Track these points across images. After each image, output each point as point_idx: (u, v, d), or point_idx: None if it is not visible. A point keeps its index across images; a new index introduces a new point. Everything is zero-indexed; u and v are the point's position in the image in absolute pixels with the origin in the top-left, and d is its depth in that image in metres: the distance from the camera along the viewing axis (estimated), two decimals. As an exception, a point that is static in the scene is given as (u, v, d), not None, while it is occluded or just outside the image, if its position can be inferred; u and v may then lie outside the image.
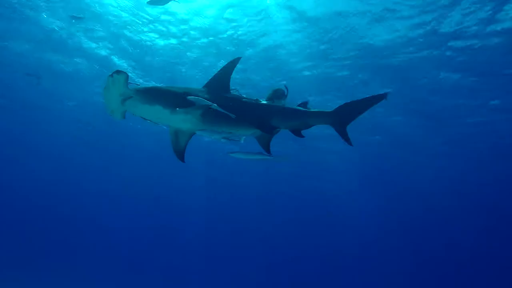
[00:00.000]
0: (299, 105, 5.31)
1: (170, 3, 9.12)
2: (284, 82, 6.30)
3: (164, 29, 11.61)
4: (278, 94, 5.72)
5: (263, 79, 13.41)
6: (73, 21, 11.33)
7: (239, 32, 11.13)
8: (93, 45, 13.11)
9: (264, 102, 5.00)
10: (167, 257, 49.10)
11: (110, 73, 3.98)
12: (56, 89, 16.91)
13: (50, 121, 21.08)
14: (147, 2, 9.12)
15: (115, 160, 27.54)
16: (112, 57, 13.68)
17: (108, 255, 42.10)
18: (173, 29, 11.53)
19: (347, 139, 5.02)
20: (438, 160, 19.09)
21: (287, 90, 5.78)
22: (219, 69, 4.84)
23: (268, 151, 5.01)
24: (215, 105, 4.21)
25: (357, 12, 9.67)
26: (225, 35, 11.34)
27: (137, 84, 4.37)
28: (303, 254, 48.91)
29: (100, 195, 38.01)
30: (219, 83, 4.75)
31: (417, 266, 46.39)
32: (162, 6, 10.10)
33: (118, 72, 3.95)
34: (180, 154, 4.86)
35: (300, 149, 19.02)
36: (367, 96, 4.93)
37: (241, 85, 12.01)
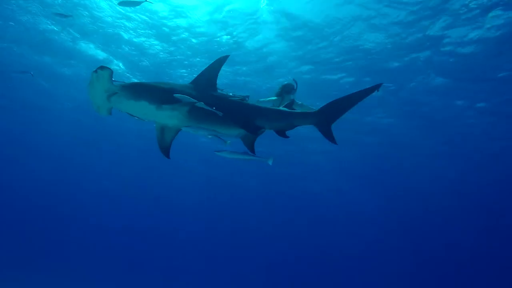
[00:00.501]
0: (284, 106, 5.28)
1: (144, 3, 8.87)
2: (287, 80, 6.27)
3: (160, 30, 11.67)
4: (287, 89, 5.67)
5: (258, 80, 13.44)
6: (61, 18, 11.20)
7: (234, 33, 11.19)
8: (91, 45, 13.19)
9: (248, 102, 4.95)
10: (167, 257, 49.13)
11: (94, 69, 3.91)
12: (55, 90, 16.99)
13: (50, 121, 21.14)
14: (118, 3, 8.97)
15: (115, 160, 27.55)
16: (110, 58, 13.75)
17: (108, 255, 42.12)
18: (169, 31, 11.59)
19: (331, 139, 4.97)
20: (434, 160, 19.14)
21: (297, 84, 5.70)
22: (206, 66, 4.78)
23: (252, 151, 4.95)
24: (202, 103, 4.20)
25: (351, 16, 9.81)
26: (220, 36, 11.40)
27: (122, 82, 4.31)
28: (301, 254, 48.90)
29: (100, 195, 38.03)
30: (206, 80, 4.71)
31: (416, 266, 46.35)
32: (134, 7, 10.09)
33: (102, 68, 3.87)
34: (166, 150, 4.81)
35: (297, 150, 19.16)
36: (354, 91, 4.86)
37: (231, 86, 12.12)
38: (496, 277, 41.53)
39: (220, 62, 4.72)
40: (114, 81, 4.01)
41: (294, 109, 5.28)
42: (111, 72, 3.91)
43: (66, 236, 44.07)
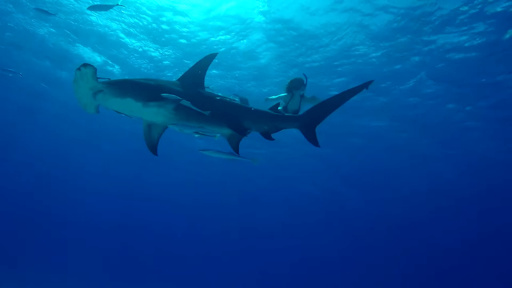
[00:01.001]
0: (270, 108, 5.26)
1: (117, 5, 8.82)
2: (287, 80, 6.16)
3: (158, 35, 11.72)
4: (296, 84, 5.52)
5: (257, 83, 13.46)
6: (42, 15, 11.10)
7: (231, 34, 11.23)
8: (88, 49, 13.27)
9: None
10: (167, 257, 49.14)
11: (78, 67, 3.85)
12: (55, 92, 17.09)
13: (49, 122, 21.24)
14: (87, 8, 8.90)
15: (114, 160, 27.59)
16: (108, 61, 13.81)
17: (108, 255, 42.12)
18: (166, 34, 11.64)
19: (314, 142, 4.96)
20: (430, 161, 19.17)
21: (306, 79, 5.60)
22: (195, 63, 4.74)
23: (237, 151, 4.94)
24: (188, 102, 4.17)
25: (345, 21, 9.87)
26: (217, 36, 11.44)
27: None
28: (301, 255, 48.85)
29: (100, 195, 38.06)
30: (193, 78, 4.67)
31: (415, 267, 46.25)
32: (105, 11, 10.06)
33: (85, 65, 3.82)
34: (153, 147, 4.81)
35: (295, 152, 19.28)
36: (341, 93, 4.84)
37: (230, 88, 12.19)
38: (496, 277, 41.44)
39: (207, 60, 4.69)
40: (99, 78, 3.96)
41: (280, 112, 5.25)
42: (94, 69, 3.86)
43: (66, 236, 44.08)
